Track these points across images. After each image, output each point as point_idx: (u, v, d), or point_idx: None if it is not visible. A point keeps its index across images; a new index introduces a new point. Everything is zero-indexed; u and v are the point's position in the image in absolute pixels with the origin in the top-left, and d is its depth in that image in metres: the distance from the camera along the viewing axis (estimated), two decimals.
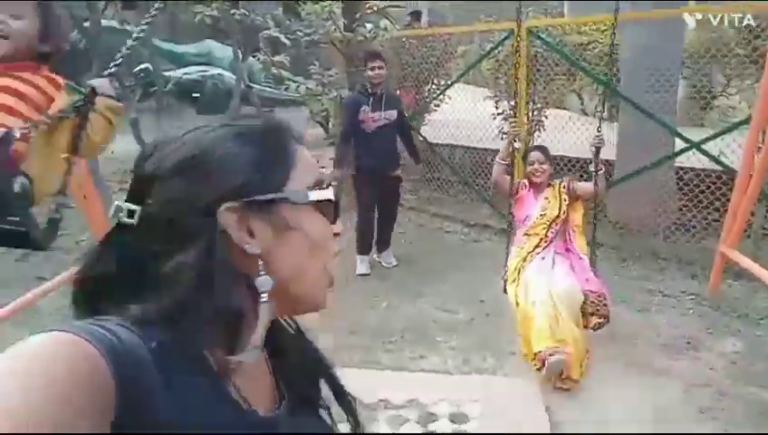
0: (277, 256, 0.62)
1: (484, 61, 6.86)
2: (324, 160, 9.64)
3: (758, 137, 3.57)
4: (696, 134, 4.84)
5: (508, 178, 3.58)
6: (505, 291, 3.44)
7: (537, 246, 3.39)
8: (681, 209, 5.10)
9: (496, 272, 4.51)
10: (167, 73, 10.82)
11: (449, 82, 6.83)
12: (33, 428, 0.43)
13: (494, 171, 3.63)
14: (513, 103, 5.98)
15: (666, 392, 3.00)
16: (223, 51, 11.63)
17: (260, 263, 0.61)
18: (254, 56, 11.69)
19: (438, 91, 6.89)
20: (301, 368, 0.74)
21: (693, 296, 4.02)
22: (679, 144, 4.83)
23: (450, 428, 2.58)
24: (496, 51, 6.29)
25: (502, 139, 6.54)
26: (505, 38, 5.87)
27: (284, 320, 0.74)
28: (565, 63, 6.15)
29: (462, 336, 3.63)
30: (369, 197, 4.75)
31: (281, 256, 0.63)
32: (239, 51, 9.29)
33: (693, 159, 4.89)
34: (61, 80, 1.89)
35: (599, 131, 3.46)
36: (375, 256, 4.89)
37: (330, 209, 0.67)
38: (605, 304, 3.22)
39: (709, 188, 4.74)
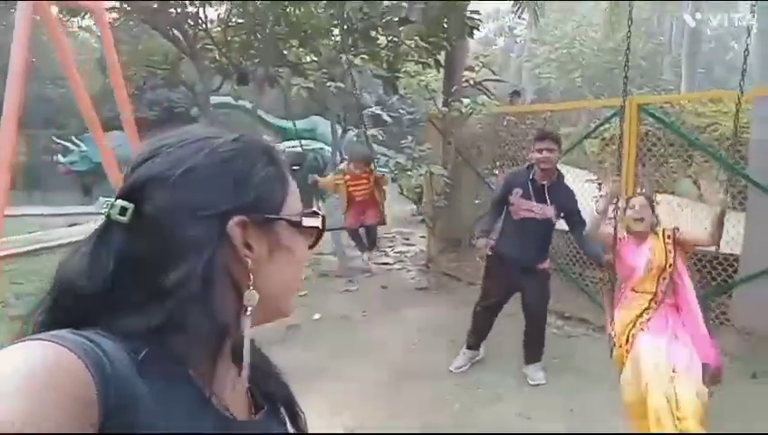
0: (266, 271, 0.65)
1: (589, 140, 6.41)
2: (414, 238, 9.44)
3: None
4: None
5: (609, 229, 3.20)
6: (611, 355, 3.14)
7: (648, 308, 3.02)
8: None
9: (591, 376, 3.94)
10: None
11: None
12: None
13: (591, 227, 3.42)
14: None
15: None
16: (328, 126, 12.05)
17: (251, 277, 0.64)
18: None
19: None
20: (272, 379, 0.77)
21: None
22: None
23: None
24: (602, 128, 5.85)
25: (606, 223, 5.99)
26: (613, 115, 5.43)
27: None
28: (679, 144, 5.61)
29: None
30: (495, 283, 4.07)
31: (270, 272, 0.66)
32: (338, 126, 9.51)
33: None
34: None
35: (725, 194, 3.10)
36: (523, 369, 4.07)
37: (312, 236, 0.72)
38: (720, 373, 2.88)
39: None
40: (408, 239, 9.62)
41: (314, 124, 13.81)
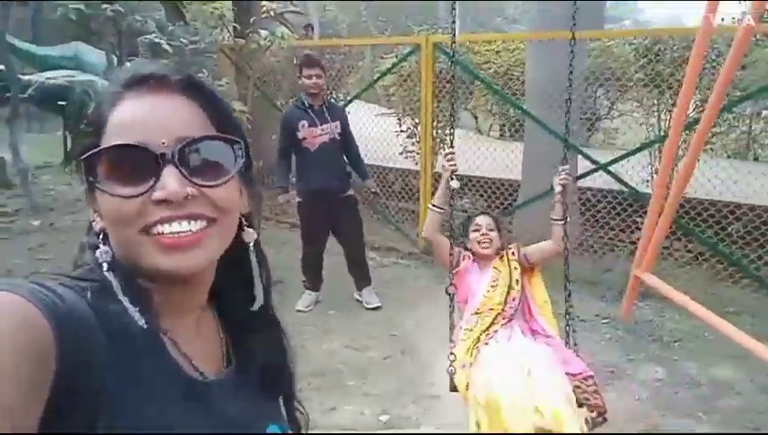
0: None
1: (382, 76, 6.59)
2: None
3: (673, 160, 3.53)
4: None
5: (445, 241, 2.65)
6: (453, 388, 2.41)
7: (494, 323, 2.46)
8: (584, 225, 5.12)
9: (407, 303, 4.22)
10: (26, 77, 9.54)
11: (349, 98, 6.49)
12: None
13: (428, 223, 2.66)
14: (416, 121, 5.87)
15: (597, 429, 2.79)
16: (94, 55, 10.47)
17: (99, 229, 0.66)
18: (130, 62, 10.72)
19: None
20: (261, 346, 0.74)
21: (606, 320, 3.93)
22: (582, 165, 4.83)
23: None
24: (400, 66, 6.04)
25: (405, 157, 6.31)
26: (410, 53, 5.63)
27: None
28: (465, 82, 6.09)
29: (376, 379, 3.23)
30: (316, 225, 4.11)
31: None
32: (114, 56, 8.36)
33: (592, 180, 4.91)
34: None
35: (564, 163, 2.61)
36: (356, 295, 4.29)
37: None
38: (596, 392, 2.25)
39: (610, 204, 4.78)
40: None
41: (76, 51, 11.90)
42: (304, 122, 3.94)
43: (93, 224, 0.64)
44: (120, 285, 0.58)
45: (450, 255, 2.61)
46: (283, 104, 6.86)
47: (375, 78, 6.78)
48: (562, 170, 2.55)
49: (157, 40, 8.66)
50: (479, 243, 2.66)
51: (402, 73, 6.15)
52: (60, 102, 9.27)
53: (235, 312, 0.73)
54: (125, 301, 0.57)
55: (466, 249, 2.74)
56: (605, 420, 2.23)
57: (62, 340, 0.47)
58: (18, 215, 6.59)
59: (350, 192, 4.15)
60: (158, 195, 0.58)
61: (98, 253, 0.61)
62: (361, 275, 4.25)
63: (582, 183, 5.01)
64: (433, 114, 5.39)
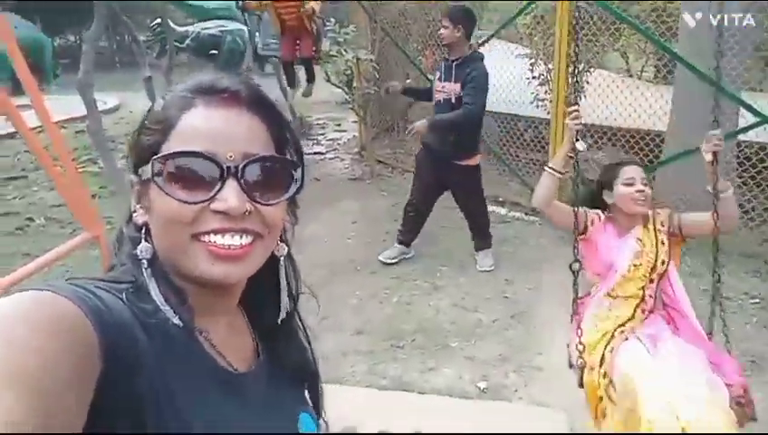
0: (152, 226, 0.66)
1: (520, 17, 6.13)
2: (346, 124, 9.13)
3: None
4: (755, 101, 4.13)
5: (564, 205, 2.23)
6: (581, 384, 2.06)
7: (631, 318, 2.10)
8: (741, 189, 4.47)
9: (526, 264, 4.03)
10: (184, 28, 10.33)
11: (479, 42, 6.15)
12: (15, 388, 0.42)
13: (541, 188, 2.22)
14: (549, 67, 5.41)
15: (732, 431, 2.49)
16: None
17: (142, 230, 0.67)
18: None
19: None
20: (285, 346, 0.78)
21: (757, 301, 3.44)
22: (743, 115, 4.16)
23: None
24: (534, 5, 5.57)
25: (537, 106, 5.91)
26: None
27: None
28: (610, 20, 5.46)
29: (481, 342, 3.15)
30: (424, 183, 3.99)
31: (153, 228, 0.66)
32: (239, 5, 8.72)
33: (754, 133, 4.21)
34: None
35: (715, 125, 2.09)
36: (474, 253, 4.10)
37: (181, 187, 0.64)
38: (750, 401, 1.91)
39: None
40: (339, 126, 9.34)
41: (230, 3, 12.62)
42: (439, 73, 3.85)
43: (135, 216, 0.66)
44: (156, 285, 0.61)
45: (574, 216, 2.11)
46: (416, 51, 6.72)
47: (511, 17, 6.35)
48: (713, 135, 2.03)
49: None
50: (634, 200, 2.09)
51: (536, 14, 5.67)
52: (212, 51, 9.97)
53: (262, 316, 0.77)
54: (160, 300, 0.60)
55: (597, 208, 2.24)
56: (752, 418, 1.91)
57: (106, 342, 0.49)
58: None
59: (467, 162, 3.83)
60: (218, 206, 0.61)
61: (138, 248, 0.63)
62: (480, 237, 4.09)
63: (743, 138, 4.34)
64: (568, 58, 4.93)
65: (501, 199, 5.28)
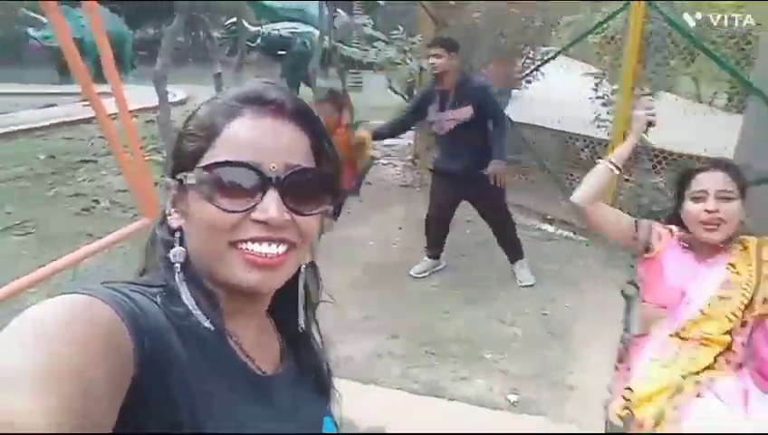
0: (189, 232, 0.68)
1: (591, 35, 6.05)
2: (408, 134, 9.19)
3: None
4: None
5: (612, 210, 1.86)
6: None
7: (711, 367, 1.58)
8: None
9: (569, 282, 3.99)
10: (256, 28, 10.70)
11: (546, 58, 6.11)
12: (55, 390, 0.42)
13: (591, 181, 1.81)
14: (614, 88, 5.32)
15: None
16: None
17: (175, 235, 0.69)
18: (352, 14, 11.30)
19: (533, 65, 6.20)
20: (304, 345, 0.79)
21: None
22: None
23: None
24: (606, 24, 5.49)
25: (598, 126, 5.81)
26: (619, 10, 5.08)
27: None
28: (682, 43, 5.32)
29: (515, 356, 3.15)
30: (440, 198, 4.07)
31: (190, 233, 0.68)
32: (327, 6, 8.93)
33: None
34: None
35: None
36: (512, 269, 4.10)
37: (228, 195, 0.65)
38: None
39: None
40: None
41: (303, 4, 12.96)
42: (434, 105, 3.81)
43: (170, 219, 0.68)
44: (187, 290, 0.62)
45: (634, 228, 1.72)
46: (480, 63, 6.72)
47: (580, 35, 6.27)
48: None
49: None
50: (701, 223, 1.62)
51: (606, 34, 5.59)
52: (280, 52, 10.28)
53: (287, 322, 0.78)
54: (191, 303, 0.61)
55: (670, 222, 1.79)
56: None
57: (141, 346, 0.51)
58: None
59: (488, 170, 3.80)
60: (258, 216, 0.62)
61: (172, 252, 0.65)
62: (511, 249, 4.09)
63: None
64: (635, 79, 4.84)
65: (550, 217, 5.23)
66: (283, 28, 10.62)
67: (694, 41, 4.84)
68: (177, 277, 0.63)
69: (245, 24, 8.92)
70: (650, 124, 1.82)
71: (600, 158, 2.72)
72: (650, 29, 4.80)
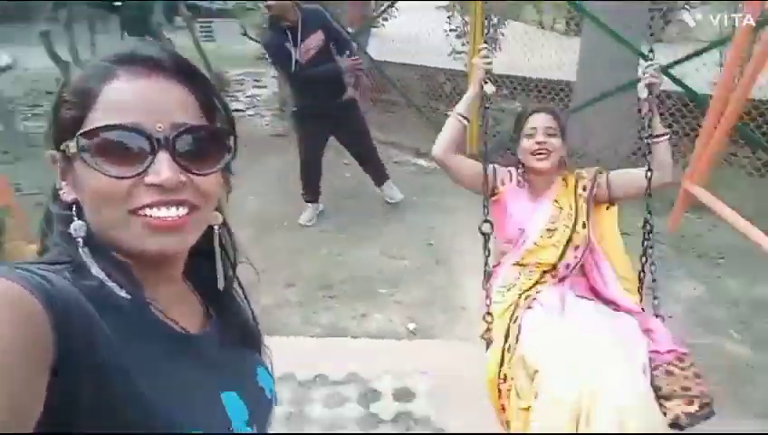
0: (84, 203, 0.65)
1: None
2: (266, 79, 8.93)
3: (738, 64, 3.22)
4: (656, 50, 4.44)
5: (467, 160, 2.06)
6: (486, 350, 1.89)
7: (539, 282, 1.92)
8: (640, 133, 4.83)
9: (448, 211, 4.22)
10: None
11: None
12: None
13: (444, 136, 2.01)
14: (466, 20, 5.54)
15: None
16: None
17: (72, 208, 0.65)
18: None
19: (387, 3, 6.22)
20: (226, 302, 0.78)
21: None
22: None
23: (394, 407, 2.31)
24: None
25: (454, 59, 6.05)
26: None
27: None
28: None
29: (408, 288, 3.32)
30: (312, 133, 4.07)
31: (84, 204, 0.65)
32: None
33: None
34: None
35: (650, 57, 1.89)
36: (379, 190, 4.36)
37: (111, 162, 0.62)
38: (696, 375, 1.64)
39: (669, 109, 4.45)
40: (258, 81, 9.12)
41: None
42: (288, 45, 3.75)
43: (62, 194, 0.64)
44: (95, 262, 0.60)
45: (484, 174, 1.89)
46: (328, 9, 6.61)
47: None
48: (648, 67, 1.81)
49: None
50: (532, 153, 1.92)
51: None
52: (116, 3, 9.31)
53: (204, 284, 0.77)
54: (102, 276, 0.59)
55: (517, 166, 2.04)
56: (711, 413, 1.59)
57: (57, 321, 0.48)
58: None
59: (347, 96, 4.00)
60: (151, 179, 0.60)
61: (72, 227, 0.62)
62: (376, 171, 4.28)
63: None
64: (482, 11, 5.06)
65: (423, 151, 5.42)
66: None
67: None
68: (82, 252, 0.60)
69: None
70: (488, 72, 1.93)
71: (461, 90, 2.99)
72: None
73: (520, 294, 1.89)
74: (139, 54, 0.62)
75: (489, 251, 1.91)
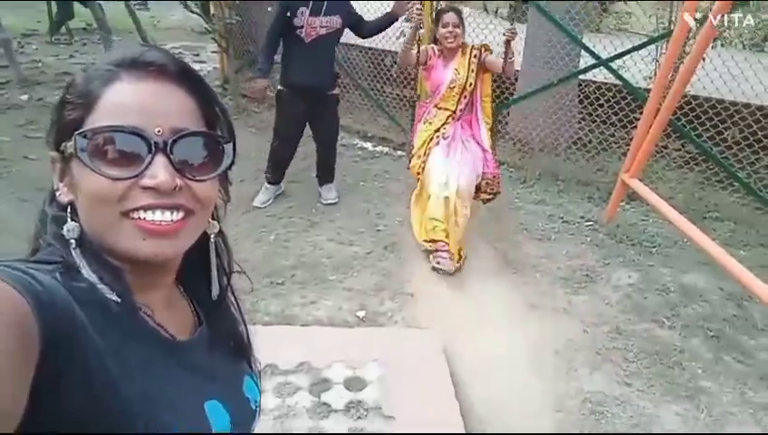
0: (79, 204, 0.65)
1: None
2: (205, 54, 8.60)
3: (675, 60, 3.36)
4: (591, 40, 4.60)
5: (414, 51, 3.36)
6: (408, 166, 3.60)
7: (446, 123, 3.42)
8: (580, 123, 5.00)
9: (396, 196, 4.24)
10: None
11: None
12: None
13: (400, 55, 3.42)
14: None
15: (565, 333, 2.93)
16: None
17: (67, 209, 0.66)
18: None
19: None
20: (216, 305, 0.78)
21: (590, 223, 3.95)
22: (584, 56, 4.60)
23: (346, 396, 2.32)
24: None
25: (401, 40, 6.02)
26: None
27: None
28: None
29: (357, 274, 3.33)
30: (294, 118, 3.96)
31: (79, 206, 0.65)
32: None
33: (593, 74, 4.71)
34: None
35: (511, 24, 3.28)
36: (318, 186, 4.24)
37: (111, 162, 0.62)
38: (498, 183, 3.51)
39: (609, 102, 4.61)
40: (197, 55, 8.77)
41: None
42: (304, 9, 3.68)
43: (58, 195, 0.64)
44: (87, 263, 0.60)
45: (417, 54, 3.35)
46: None
47: None
48: (508, 30, 3.18)
49: None
50: (446, 38, 3.31)
51: None
52: None
53: (197, 291, 0.77)
54: (93, 278, 0.58)
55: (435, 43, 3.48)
56: (496, 194, 3.55)
57: (44, 321, 0.48)
58: (5, 88, 6.44)
59: (335, 91, 3.99)
60: (147, 182, 0.60)
61: (65, 228, 0.62)
62: (326, 173, 4.22)
63: (583, 77, 4.82)
64: None
65: (370, 135, 5.41)
66: None
67: None
68: (74, 253, 0.60)
69: None
70: (420, 23, 3.33)
71: (408, 73, 4.71)
72: None
73: (434, 131, 3.45)
74: (142, 58, 0.63)
75: (416, 100, 3.81)
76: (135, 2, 8.43)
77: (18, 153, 4.63)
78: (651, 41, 4.37)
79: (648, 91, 3.83)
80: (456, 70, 3.37)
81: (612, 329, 2.96)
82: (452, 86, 3.38)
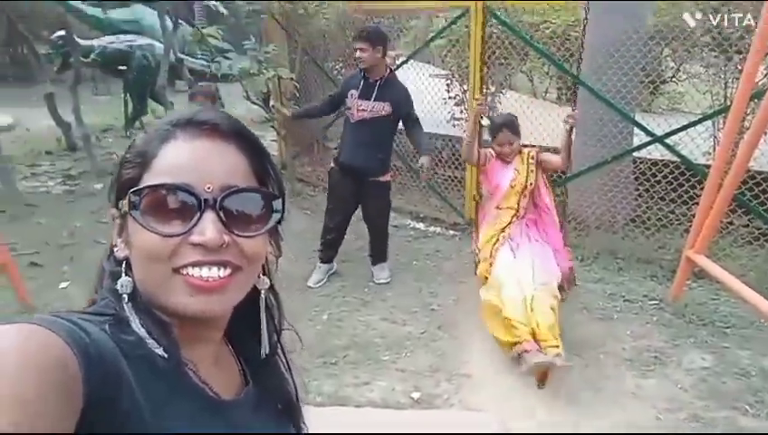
0: (133, 261, 0.66)
1: (430, 42, 6.40)
2: (265, 142, 9.03)
3: (735, 135, 3.29)
4: (645, 120, 4.57)
5: (476, 146, 3.42)
6: (476, 271, 3.47)
7: (510, 223, 3.37)
8: (637, 200, 4.89)
9: (449, 276, 4.19)
10: (89, 42, 9.85)
11: (399, 62, 6.35)
12: (8, 415, 0.43)
13: (466, 151, 3.43)
14: (465, 88, 5.69)
15: (638, 418, 2.72)
16: (155, 18, 10.60)
17: (122, 265, 0.68)
18: (192, 25, 10.82)
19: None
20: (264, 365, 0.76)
21: (655, 302, 3.76)
22: (638, 133, 4.57)
23: None
24: (448, 29, 5.84)
25: (453, 125, 6.17)
26: (459, 16, 5.43)
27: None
28: (519, 45, 5.82)
29: (411, 354, 3.24)
30: (341, 196, 4.06)
31: (134, 263, 0.66)
32: (169, 18, 8.49)
33: (648, 152, 4.65)
34: None
35: (573, 108, 3.37)
36: (371, 265, 4.25)
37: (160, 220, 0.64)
38: (574, 276, 3.44)
39: (666, 178, 4.51)
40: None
41: (138, 14, 12.12)
42: (354, 91, 3.87)
43: (116, 251, 0.66)
44: (138, 318, 0.61)
45: (478, 158, 3.44)
46: (331, 68, 6.83)
47: (427, 39, 6.60)
48: (569, 115, 3.25)
49: (211, 1, 8.73)
50: (504, 155, 3.41)
51: (451, 38, 5.95)
52: (120, 67, 9.54)
53: (246, 348, 0.76)
54: (142, 332, 0.59)
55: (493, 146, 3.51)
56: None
57: (90, 380, 0.49)
58: (82, 178, 6.91)
59: (384, 178, 4.01)
60: (195, 239, 0.61)
61: (119, 283, 0.63)
62: (379, 253, 4.21)
63: (638, 154, 4.76)
64: (482, 80, 5.21)
65: (422, 215, 5.45)
66: (119, 41, 9.86)
67: (527, 41, 5.32)
68: (125, 307, 0.61)
69: (76, 38, 8.12)
70: (481, 112, 3.36)
71: (459, 155, 4.76)
72: (489, 33, 5.21)
73: (499, 231, 3.37)
74: (197, 118, 0.65)
75: (479, 198, 3.71)
76: (203, 100, 9.05)
77: (90, 238, 4.87)
78: (708, 117, 4.32)
79: (707, 166, 3.74)
80: (516, 170, 3.39)
81: (689, 416, 2.73)
82: (513, 184, 3.37)
